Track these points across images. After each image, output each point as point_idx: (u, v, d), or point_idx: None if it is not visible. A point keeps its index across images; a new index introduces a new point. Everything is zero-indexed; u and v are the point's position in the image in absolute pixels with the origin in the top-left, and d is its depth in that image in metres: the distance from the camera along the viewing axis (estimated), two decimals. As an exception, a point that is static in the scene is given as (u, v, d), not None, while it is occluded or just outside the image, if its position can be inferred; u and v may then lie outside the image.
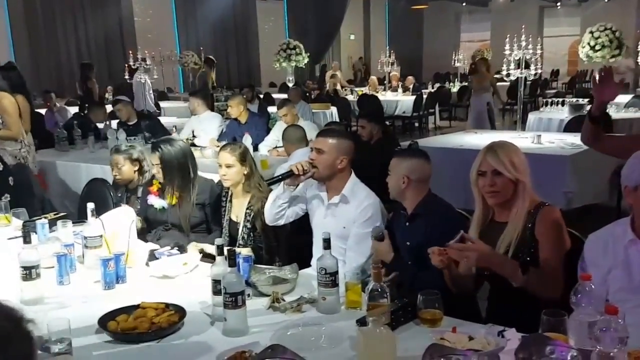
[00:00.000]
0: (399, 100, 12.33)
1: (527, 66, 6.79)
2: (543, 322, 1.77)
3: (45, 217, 3.17)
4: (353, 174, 2.92)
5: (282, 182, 2.91)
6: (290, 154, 4.73)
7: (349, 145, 2.90)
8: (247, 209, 3.25)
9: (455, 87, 14.18)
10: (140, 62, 8.87)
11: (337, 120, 10.08)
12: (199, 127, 6.55)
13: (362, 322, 2.06)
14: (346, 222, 2.83)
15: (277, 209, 2.98)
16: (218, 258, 2.20)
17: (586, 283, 1.74)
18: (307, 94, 12.61)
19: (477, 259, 2.18)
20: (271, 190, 3.09)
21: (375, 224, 2.79)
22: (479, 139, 6.20)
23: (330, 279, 2.21)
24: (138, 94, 10.15)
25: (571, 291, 1.77)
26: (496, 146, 2.35)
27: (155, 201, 3.51)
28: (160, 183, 3.52)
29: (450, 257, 2.23)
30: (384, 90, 13.52)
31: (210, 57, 12.26)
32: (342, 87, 14.11)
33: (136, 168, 3.89)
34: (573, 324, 1.72)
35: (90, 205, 2.79)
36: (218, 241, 2.25)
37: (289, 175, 2.85)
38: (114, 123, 6.89)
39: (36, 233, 2.91)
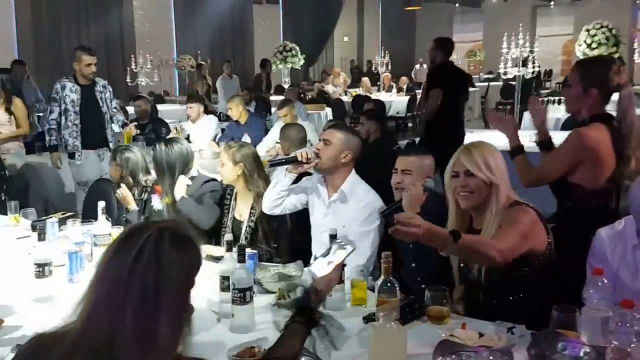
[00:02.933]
0: (392, 100, 12.34)
1: (524, 64, 6.81)
2: (553, 318, 1.77)
3: (54, 216, 3.19)
4: (353, 172, 2.91)
5: (285, 168, 2.90)
6: (286, 152, 4.74)
7: (357, 142, 2.90)
8: (251, 208, 3.25)
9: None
10: (142, 66, 8.93)
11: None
12: (195, 131, 6.57)
13: (368, 318, 2.08)
14: (346, 221, 2.81)
15: (276, 195, 2.96)
16: (226, 254, 2.21)
17: (598, 278, 1.74)
18: (302, 95, 12.65)
19: (423, 235, 1.92)
20: None
21: (375, 222, 2.79)
22: (475, 138, 6.19)
23: (336, 275, 2.22)
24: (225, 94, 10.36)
25: (583, 286, 1.78)
26: (471, 146, 2.27)
27: (157, 202, 3.53)
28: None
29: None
30: (377, 90, 13.55)
31: (267, 59, 12.35)
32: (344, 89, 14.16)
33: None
34: (585, 320, 1.71)
35: (101, 204, 2.82)
36: (227, 237, 2.25)
37: (292, 160, 2.85)
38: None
39: (46, 232, 2.90)
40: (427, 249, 2.38)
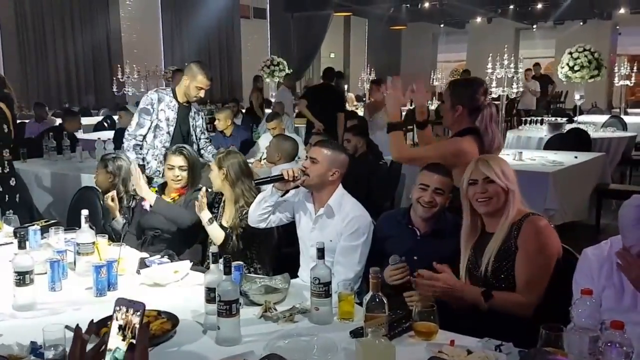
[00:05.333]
0: (378, 115, 12.40)
1: (509, 85, 6.89)
2: (542, 337, 1.76)
3: (37, 224, 3.14)
4: (340, 187, 2.90)
5: (271, 185, 2.87)
6: (273, 162, 4.78)
7: (344, 160, 2.89)
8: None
9: (433, 105, 14.34)
10: (128, 76, 8.92)
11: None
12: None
13: (356, 333, 2.06)
14: (333, 236, 2.80)
15: (262, 210, 2.92)
16: (212, 266, 2.19)
17: (586, 298, 1.73)
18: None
19: (442, 292, 2.30)
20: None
21: (362, 237, 2.77)
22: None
23: (323, 289, 2.20)
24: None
25: (567, 304, 1.78)
26: (487, 157, 2.49)
27: (146, 203, 3.50)
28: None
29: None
30: (363, 106, 13.63)
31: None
32: None
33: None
34: (572, 339, 1.71)
35: (85, 212, 2.76)
36: (213, 249, 2.23)
37: (279, 178, 2.81)
38: (104, 133, 6.93)
39: (28, 240, 2.86)
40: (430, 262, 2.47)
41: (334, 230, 2.81)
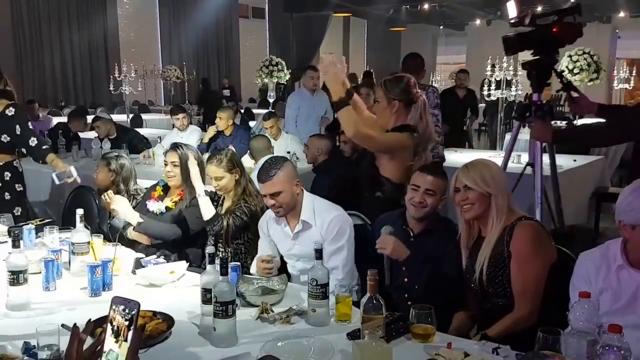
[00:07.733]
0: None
1: (508, 86, 6.89)
2: (539, 340, 1.76)
3: (31, 223, 3.13)
4: (306, 193, 2.85)
5: None
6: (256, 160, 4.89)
7: (293, 167, 2.84)
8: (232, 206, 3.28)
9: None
10: (125, 74, 8.93)
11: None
12: (181, 140, 6.56)
13: (353, 335, 2.05)
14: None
15: None
16: (209, 267, 2.18)
17: (584, 301, 1.74)
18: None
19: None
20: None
21: (344, 235, 2.74)
22: (459, 157, 6.25)
23: (321, 290, 2.19)
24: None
25: (565, 308, 1.78)
26: (468, 164, 2.50)
27: (153, 206, 3.51)
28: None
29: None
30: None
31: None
32: None
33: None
34: (570, 342, 1.71)
35: (79, 212, 2.75)
36: (209, 249, 2.22)
37: None
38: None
39: (22, 239, 2.84)
40: (419, 264, 2.54)
41: (317, 239, 2.69)
